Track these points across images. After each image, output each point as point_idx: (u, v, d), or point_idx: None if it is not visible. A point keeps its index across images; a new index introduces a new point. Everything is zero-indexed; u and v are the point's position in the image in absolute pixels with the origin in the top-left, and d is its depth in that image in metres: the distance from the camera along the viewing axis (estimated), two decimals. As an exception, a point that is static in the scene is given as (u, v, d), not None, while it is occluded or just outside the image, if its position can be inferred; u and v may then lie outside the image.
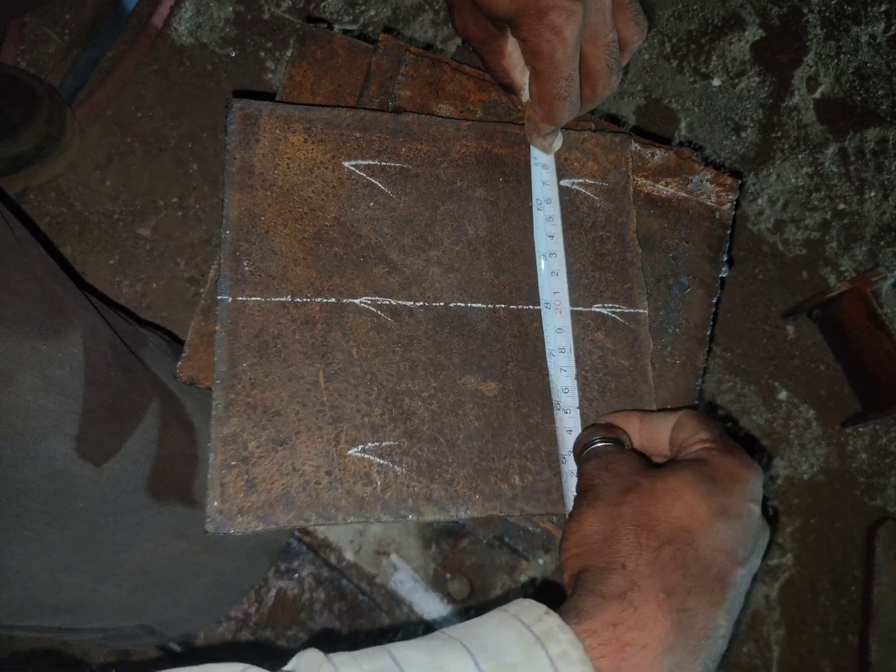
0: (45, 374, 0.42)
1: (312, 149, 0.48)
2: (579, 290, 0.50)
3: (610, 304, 0.50)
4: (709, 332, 0.54)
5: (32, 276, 0.42)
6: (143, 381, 0.50)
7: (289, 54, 0.91)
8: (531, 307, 0.49)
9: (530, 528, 0.54)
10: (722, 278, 0.55)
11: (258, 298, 0.44)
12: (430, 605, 0.66)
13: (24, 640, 0.68)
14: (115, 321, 0.52)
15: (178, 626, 0.61)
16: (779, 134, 1.03)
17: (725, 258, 0.55)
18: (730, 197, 0.56)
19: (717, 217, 0.56)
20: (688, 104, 1.03)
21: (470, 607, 0.67)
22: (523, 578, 0.78)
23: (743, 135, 1.03)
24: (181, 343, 0.70)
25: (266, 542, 0.61)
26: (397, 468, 0.44)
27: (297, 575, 0.67)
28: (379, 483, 0.43)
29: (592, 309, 0.50)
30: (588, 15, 0.42)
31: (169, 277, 0.85)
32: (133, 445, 0.48)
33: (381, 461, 0.43)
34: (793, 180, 1.02)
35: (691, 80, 1.04)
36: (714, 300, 0.55)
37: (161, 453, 0.50)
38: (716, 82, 1.05)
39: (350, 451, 0.43)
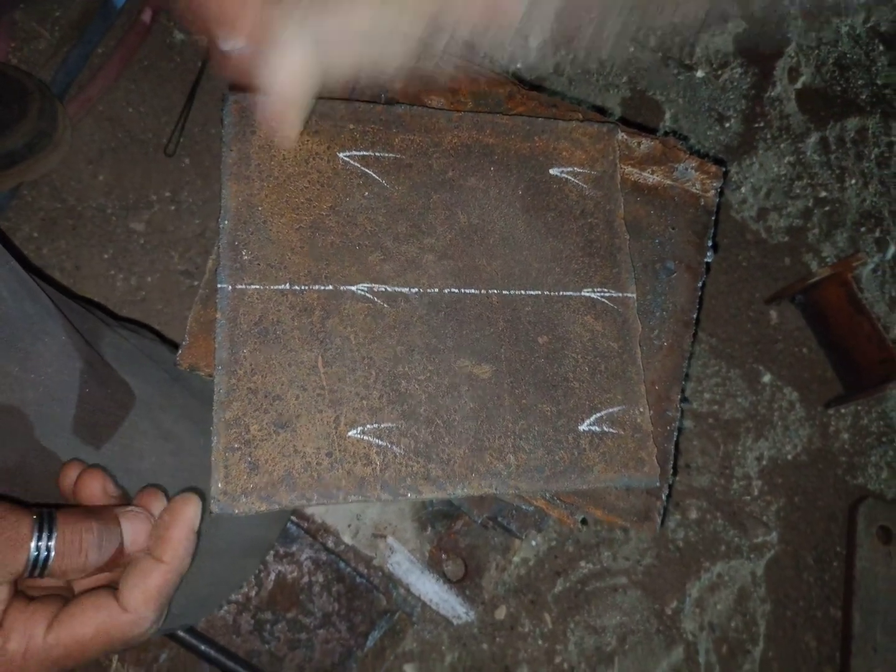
0: (17, 397, 0.42)
1: (308, 140, 0.49)
2: (569, 275, 0.51)
3: (599, 289, 0.52)
4: (695, 315, 0.56)
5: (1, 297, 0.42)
6: (119, 393, 0.50)
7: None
8: (522, 292, 0.50)
9: (523, 507, 0.56)
10: (707, 263, 0.57)
11: (257, 286, 0.46)
12: (426, 586, 0.68)
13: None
14: (94, 328, 0.52)
15: (173, 621, 0.62)
16: (761, 124, 1.05)
17: (710, 243, 0.57)
18: (714, 184, 0.58)
19: (702, 204, 0.58)
20: (672, 95, 1.04)
21: (465, 587, 0.68)
22: (516, 559, 0.81)
23: (726, 125, 1.05)
24: (167, 341, 0.71)
25: (255, 540, 0.62)
26: (396, 448, 0.45)
27: (295, 559, 0.68)
28: (378, 463, 0.45)
29: (582, 293, 0.52)
30: None
31: (163, 271, 0.86)
32: (105, 456, 0.48)
33: (380, 442, 0.45)
34: (775, 169, 1.04)
35: (675, 71, 1.06)
36: (700, 284, 0.56)
37: (140, 466, 0.51)
38: (699, 74, 1.06)
39: (349, 433, 0.45)
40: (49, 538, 0.33)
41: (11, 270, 0.44)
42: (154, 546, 0.36)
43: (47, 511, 0.34)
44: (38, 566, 0.32)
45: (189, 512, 0.37)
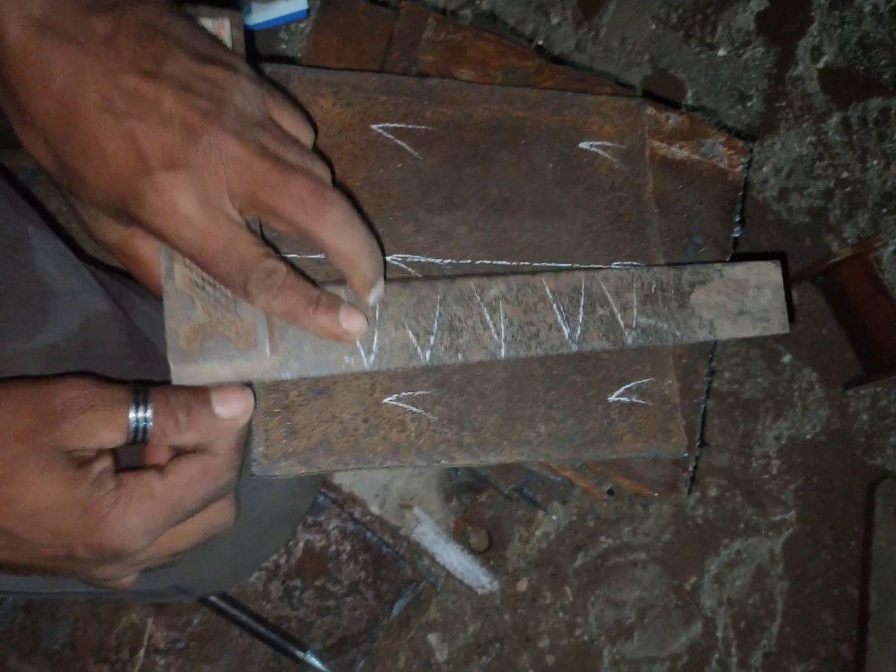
0: (61, 368, 0.42)
1: (341, 112, 0.49)
2: (599, 248, 0.52)
3: (628, 262, 0.52)
4: (722, 290, 0.56)
5: (47, 273, 0.43)
6: (159, 367, 0.51)
7: (302, 25, 0.92)
8: (553, 265, 0.51)
9: (552, 477, 0.57)
10: (735, 238, 0.57)
11: (294, 255, 0.46)
12: (451, 557, 0.69)
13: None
14: (131, 305, 0.53)
15: (208, 587, 0.64)
16: (783, 103, 1.05)
17: (738, 218, 0.57)
18: (741, 160, 0.58)
19: (730, 179, 0.58)
20: (694, 74, 1.04)
21: (490, 558, 0.70)
22: (538, 533, 0.82)
23: (748, 104, 1.04)
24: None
25: (288, 511, 0.63)
26: (430, 416, 0.46)
27: (323, 528, 0.70)
28: (413, 430, 0.45)
29: (612, 266, 0.52)
30: (212, 169, 0.35)
31: (188, 247, 0.86)
32: None
33: (415, 409, 0.46)
34: (797, 149, 1.03)
35: (697, 50, 1.05)
36: (727, 259, 0.57)
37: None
38: (721, 52, 1.06)
39: (385, 400, 0.45)
40: (146, 407, 0.35)
41: (55, 246, 0.45)
42: None
43: (142, 385, 0.36)
44: (140, 432, 0.35)
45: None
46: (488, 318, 0.44)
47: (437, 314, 0.44)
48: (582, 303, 0.46)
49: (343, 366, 0.42)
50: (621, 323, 0.46)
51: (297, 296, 0.38)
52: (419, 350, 0.43)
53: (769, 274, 0.49)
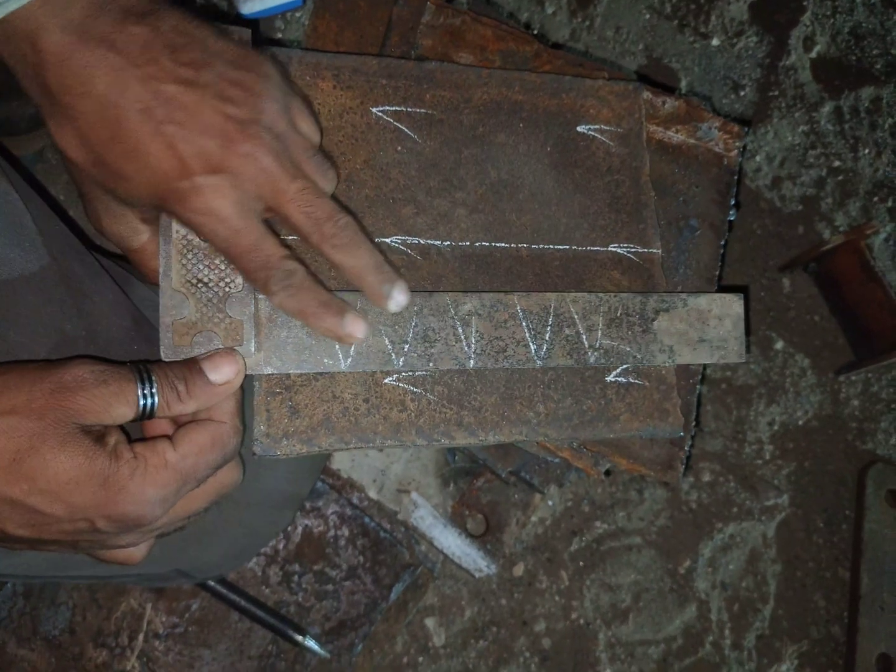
0: (68, 353, 0.43)
1: (341, 95, 0.50)
2: (596, 230, 0.52)
3: (625, 244, 0.53)
4: (717, 273, 0.57)
5: (51, 258, 0.43)
6: None
7: (298, 14, 0.92)
8: (551, 247, 0.51)
9: (549, 459, 0.57)
10: (730, 221, 0.58)
11: (294, 238, 0.47)
12: (448, 541, 0.70)
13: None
14: (133, 290, 0.53)
15: (210, 571, 0.64)
16: (776, 93, 1.06)
17: (733, 202, 0.58)
18: (737, 144, 0.59)
19: (725, 163, 0.59)
20: (688, 63, 1.04)
21: (487, 542, 0.70)
22: (533, 518, 0.82)
23: (741, 93, 1.05)
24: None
25: (289, 494, 0.64)
26: (430, 396, 0.46)
27: (322, 513, 0.70)
28: (413, 409, 0.46)
29: (609, 248, 0.52)
30: (248, 176, 0.37)
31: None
32: None
33: (415, 389, 0.46)
34: (789, 138, 1.04)
35: (691, 39, 1.06)
36: (722, 242, 0.57)
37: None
38: (715, 42, 1.06)
39: (385, 380, 0.46)
40: (150, 382, 0.37)
41: (60, 232, 0.45)
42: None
43: (141, 363, 0.37)
44: (147, 407, 0.36)
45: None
46: (461, 331, 0.46)
47: (413, 325, 0.45)
48: (550, 322, 0.47)
49: (321, 366, 0.43)
50: (585, 343, 0.48)
51: (310, 297, 0.40)
52: (393, 356, 0.44)
53: (731, 306, 0.50)
